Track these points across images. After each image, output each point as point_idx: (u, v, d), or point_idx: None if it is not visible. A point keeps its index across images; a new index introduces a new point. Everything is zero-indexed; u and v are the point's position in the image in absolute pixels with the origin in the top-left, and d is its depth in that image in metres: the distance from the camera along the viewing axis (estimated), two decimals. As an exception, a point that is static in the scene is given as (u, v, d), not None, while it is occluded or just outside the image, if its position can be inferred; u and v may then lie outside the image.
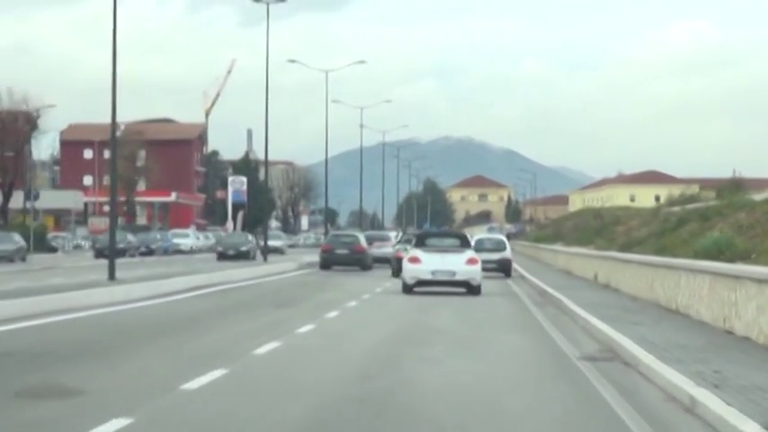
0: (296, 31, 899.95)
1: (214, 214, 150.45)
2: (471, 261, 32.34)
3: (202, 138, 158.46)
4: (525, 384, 13.12)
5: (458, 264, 32.06)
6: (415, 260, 32.31)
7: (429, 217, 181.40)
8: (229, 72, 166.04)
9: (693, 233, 38.31)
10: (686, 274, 21.88)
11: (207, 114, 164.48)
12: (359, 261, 51.93)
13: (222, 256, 66.24)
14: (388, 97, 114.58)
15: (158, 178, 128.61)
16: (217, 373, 13.03)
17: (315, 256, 65.31)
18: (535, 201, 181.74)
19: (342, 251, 52.03)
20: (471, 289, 31.94)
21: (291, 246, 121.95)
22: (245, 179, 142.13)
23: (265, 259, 56.17)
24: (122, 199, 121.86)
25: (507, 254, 47.24)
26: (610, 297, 28.48)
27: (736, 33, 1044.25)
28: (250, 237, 72.38)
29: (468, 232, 76.05)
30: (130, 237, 77.81)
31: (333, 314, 23.50)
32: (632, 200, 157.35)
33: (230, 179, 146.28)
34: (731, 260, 25.06)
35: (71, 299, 23.89)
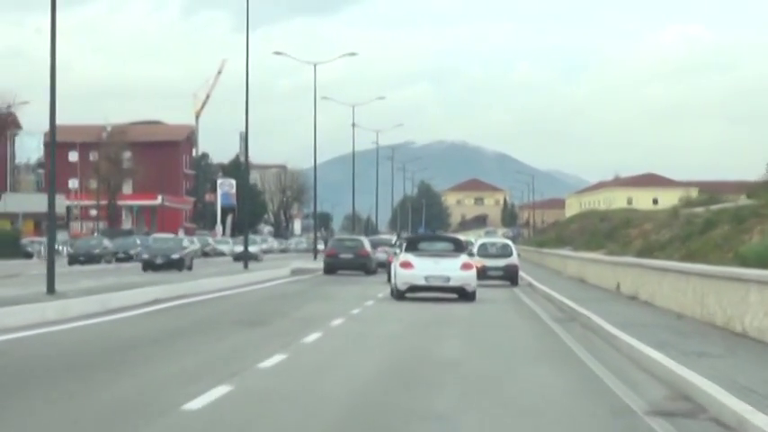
0: (290, 35, 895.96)
1: (204, 218, 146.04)
2: (466, 266, 30.57)
3: (191, 140, 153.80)
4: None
5: (452, 269, 30.26)
6: (407, 265, 30.34)
7: (424, 221, 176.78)
8: (219, 72, 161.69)
9: (727, 236, 34.38)
10: (758, 288, 17.20)
11: (197, 116, 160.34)
12: (363, 265, 51.19)
13: (148, 266, 52.55)
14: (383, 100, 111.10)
15: (144, 180, 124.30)
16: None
17: (305, 262, 61.40)
18: (532, 204, 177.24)
19: (346, 255, 51.54)
20: (466, 295, 30.32)
21: (283, 250, 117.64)
22: (233, 182, 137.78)
23: (245, 266, 51.41)
24: (105, 202, 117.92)
25: (514, 260, 42.89)
26: (646, 313, 23.82)
27: (730, 36, 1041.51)
28: (185, 242, 59.89)
29: (466, 236, 72.19)
30: (106, 242, 73.17)
31: (313, 337, 18.86)
32: (629, 203, 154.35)
33: (219, 182, 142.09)
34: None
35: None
